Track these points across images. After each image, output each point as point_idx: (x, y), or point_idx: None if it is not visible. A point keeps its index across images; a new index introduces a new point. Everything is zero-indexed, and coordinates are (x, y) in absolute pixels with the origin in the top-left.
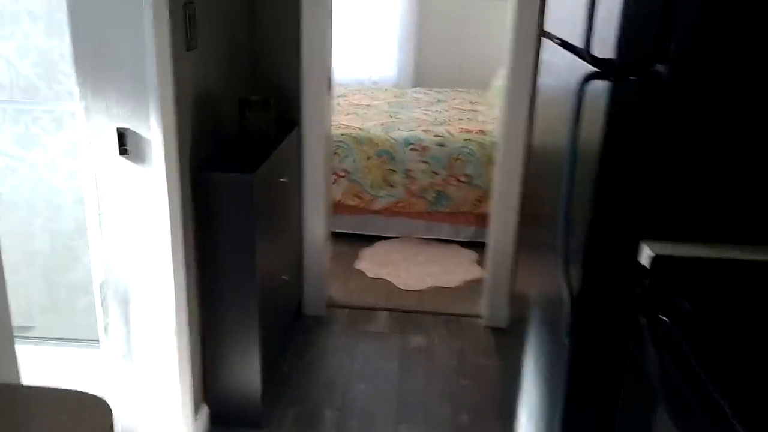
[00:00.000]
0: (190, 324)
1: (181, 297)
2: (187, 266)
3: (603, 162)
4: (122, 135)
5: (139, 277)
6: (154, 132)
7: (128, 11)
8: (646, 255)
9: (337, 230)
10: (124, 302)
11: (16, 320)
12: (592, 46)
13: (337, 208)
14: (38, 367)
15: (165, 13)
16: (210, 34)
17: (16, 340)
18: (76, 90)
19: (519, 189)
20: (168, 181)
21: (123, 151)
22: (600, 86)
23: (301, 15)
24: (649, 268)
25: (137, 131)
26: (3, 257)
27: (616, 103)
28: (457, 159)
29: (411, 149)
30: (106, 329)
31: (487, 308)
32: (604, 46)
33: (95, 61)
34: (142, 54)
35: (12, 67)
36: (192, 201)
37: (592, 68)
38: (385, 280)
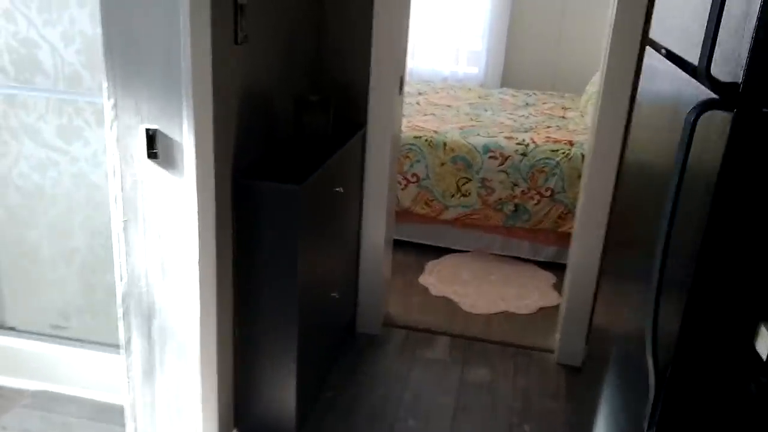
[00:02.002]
0: (223, 343)
1: (209, 314)
2: (220, 281)
3: (716, 210)
4: (151, 136)
5: (164, 291)
6: (186, 135)
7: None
8: (766, 343)
9: (402, 239)
10: (148, 317)
11: (52, 319)
12: (713, 66)
13: (403, 216)
14: (69, 369)
15: (205, 1)
16: (265, 25)
17: (50, 339)
18: (104, 84)
19: (608, 209)
20: (199, 190)
21: (152, 155)
22: (719, 117)
23: (374, 4)
24: None
25: (168, 133)
26: (41, 252)
27: (739, 141)
28: (541, 171)
29: (490, 157)
30: (127, 344)
31: (561, 342)
32: (728, 67)
33: (125, 52)
34: (177, 47)
35: (57, 54)
36: (232, 210)
37: (710, 93)
38: (451, 299)
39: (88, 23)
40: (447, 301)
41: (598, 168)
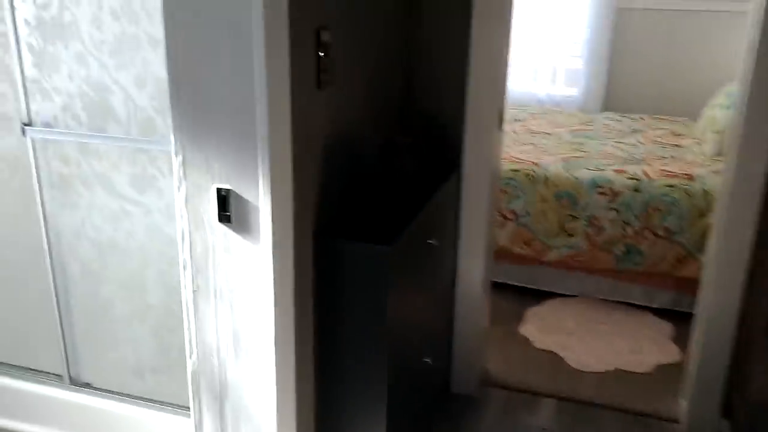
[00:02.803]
0: (303, 423)
1: (288, 395)
2: (300, 354)
3: None
4: (224, 197)
5: (237, 369)
6: (262, 196)
7: (235, 39)
8: None
9: (498, 280)
10: (220, 397)
11: (126, 377)
12: None
13: (499, 256)
14: (142, 429)
15: (283, 44)
16: (350, 67)
17: (123, 398)
18: (172, 138)
19: (748, 254)
20: (276, 256)
21: (224, 218)
22: None
23: (471, 37)
24: None
25: (242, 194)
26: (115, 308)
27: None
28: (656, 209)
29: (598, 193)
30: (198, 425)
31: (690, 410)
32: None
33: (194, 102)
34: (251, 97)
35: (129, 98)
36: (313, 272)
37: None
38: (555, 353)
39: (161, 66)
40: (551, 356)
41: (734, 207)
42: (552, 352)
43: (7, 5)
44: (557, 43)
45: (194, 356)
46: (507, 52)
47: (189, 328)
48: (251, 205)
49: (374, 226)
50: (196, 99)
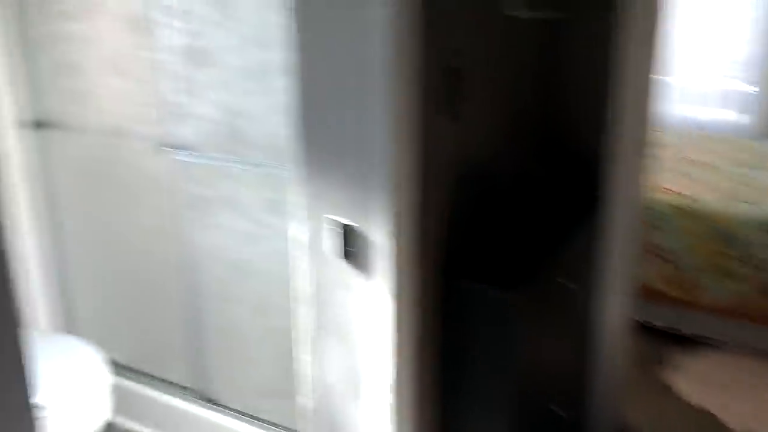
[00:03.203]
0: None
1: None
2: (419, 399)
3: None
4: (344, 233)
5: (356, 413)
6: (384, 233)
7: (363, 70)
8: None
9: (641, 321)
10: None
11: (251, 397)
12: None
13: (644, 294)
14: None
15: (413, 74)
16: (483, 95)
17: (246, 418)
18: (294, 169)
19: None
20: (398, 297)
21: (344, 253)
22: None
23: (615, 59)
24: None
25: (363, 230)
26: (243, 328)
27: None
28: None
29: (766, 231)
30: None
31: None
32: None
33: (316, 132)
34: (377, 130)
35: (262, 124)
36: (435, 312)
37: None
38: (713, 414)
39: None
40: (707, 416)
41: None
42: (708, 411)
43: (156, 32)
44: (726, 59)
45: (311, 390)
46: (657, 75)
47: (308, 362)
48: (373, 242)
49: (504, 266)
50: (321, 130)
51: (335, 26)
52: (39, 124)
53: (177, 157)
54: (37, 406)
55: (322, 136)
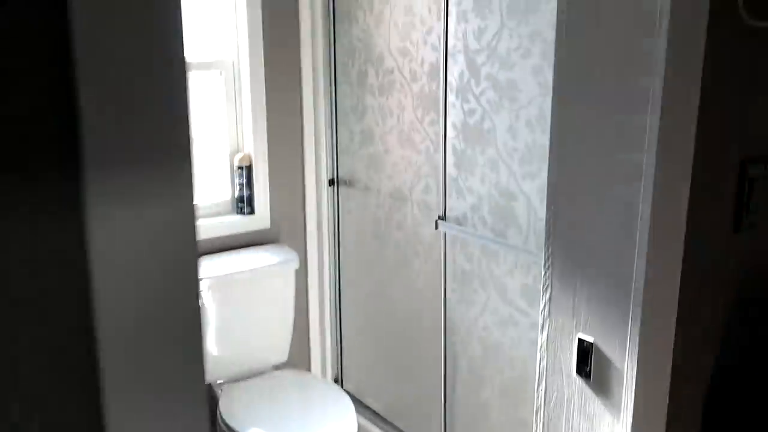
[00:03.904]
0: None
1: None
2: None
3: None
4: (584, 349)
5: None
6: (629, 361)
7: (624, 177)
8: None
9: None
10: None
11: None
12: None
13: None
14: None
15: (682, 186)
16: None
17: None
18: (541, 272)
19: None
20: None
21: (582, 372)
22: None
23: None
24: None
25: (605, 350)
26: (492, 415)
27: None
28: None
29: None
30: None
31: None
32: None
33: (569, 237)
34: (632, 245)
35: (531, 208)
36: None
37: None
38: None
39: None
40: None
41: None
42: None
43: (441, 110)
44: None
45: None
46: None
47: None
48: (615, 366)
49: None
50: (571, 235)
51: (596, 132)
52: (336, 182)
53: (449, 230)
54: None
55: (573, 244)
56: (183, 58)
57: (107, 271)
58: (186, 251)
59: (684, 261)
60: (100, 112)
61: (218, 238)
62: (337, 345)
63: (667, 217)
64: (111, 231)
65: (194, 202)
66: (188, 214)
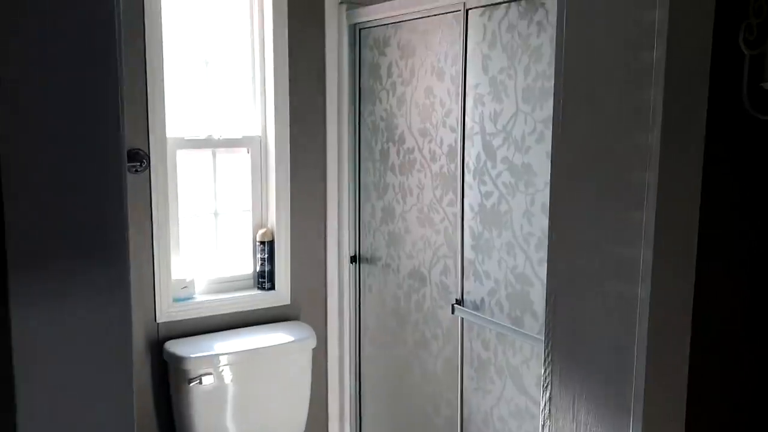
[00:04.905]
0: None
1: None
2: None
3: None
4: None
5: None
6: None
7: (619, 279)
8: None
9: None
10: None
11: None
12: None
13: None
14: None
15: (684, 310)
16: None
17: None
18: (542, 370)
19: None
20: None
21: None
22: None
23: None
24: None
25: None
26: None
27: None
28: None
29: None
30: None
31: None
32: None
33: (571, 336)
34: (630, 352)
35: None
36: None
37: None
38: None
39: None
40: None
41: None
42: None
43: (459, 191)
44: None
45: None
46: None
47: None
48: None
49: None
50: (571, 331)
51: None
52: (358, 258)
53: (465, 315)
54: None
55: (573, 343)
56: (120, 162)
57: (30, 377)
58: (119, 353)
59: (690, 364)
60: (26, 215)
61: (238, 313)
62: (355, 423)
63: (669, 315)
64: (35, 334)
65: (129, 303)
66: (121, 315)
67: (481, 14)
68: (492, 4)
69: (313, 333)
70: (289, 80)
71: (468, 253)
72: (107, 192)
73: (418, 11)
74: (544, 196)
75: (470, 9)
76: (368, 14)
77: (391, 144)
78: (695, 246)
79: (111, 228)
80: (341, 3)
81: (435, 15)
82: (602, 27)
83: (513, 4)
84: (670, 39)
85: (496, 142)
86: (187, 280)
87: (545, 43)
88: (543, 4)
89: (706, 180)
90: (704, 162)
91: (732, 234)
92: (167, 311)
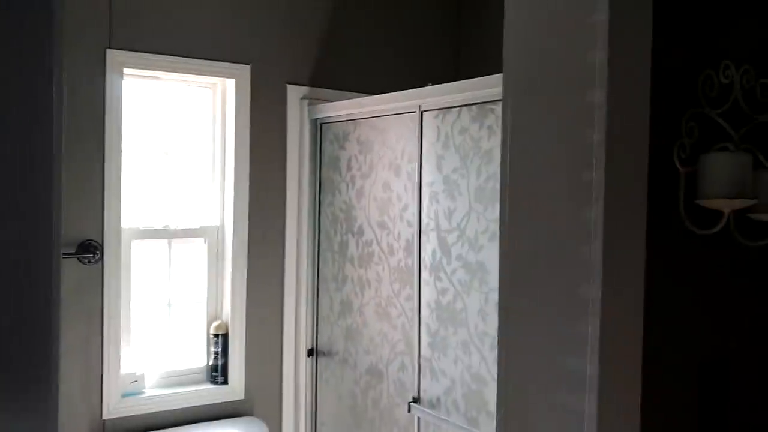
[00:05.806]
0: None
1: None
2: None
3: None
4: None
5: None
6: None
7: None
8: None
9: None
10: None
11: None
12: None
13: None
14: None
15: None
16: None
17: None
18: None
19: None
20: None
21: None
22: None
23: None
24: None
25: None
26: None
27: None
28: None
29: None
30: None
31: None
32: None
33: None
34: None
35: None
36: None
37: None
38: None
39: None
40: None
41: None
42: None
43: (416, 287)
44: None
45: None
46: None
47: None
48: None
49: None
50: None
51: (538, 338)
52: (315, 352)
53: (422, 414)
54: None
55: None
56: (52, 277)
57: None
58: None
59: None
60: None
61: (189, 408)
62: None
63: (616, 427)
64: None
65: (56, 420)
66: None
67: (435, 116)
68: (445, 108)
69: (267, 430)
70: (250, 170)
71: (425, 351)
72: (36, 305)
73: (377, 110)
74: (497, 295)
75: (425, 111)
76: (329, 110)
77: (350, 235)
78: (640, 357)
79: (39, 343)
80: (303, 98)
81: (392, 114)
82: (544, 144)
83: (464, 108)
84: (608, 159)
85: (451, 239)
86: (137, 374)
87: (495, 146)
88: (493, 110)
89: (648, 292)
90: (646, 275)
91: (677, 343)
92: (115, 407)
